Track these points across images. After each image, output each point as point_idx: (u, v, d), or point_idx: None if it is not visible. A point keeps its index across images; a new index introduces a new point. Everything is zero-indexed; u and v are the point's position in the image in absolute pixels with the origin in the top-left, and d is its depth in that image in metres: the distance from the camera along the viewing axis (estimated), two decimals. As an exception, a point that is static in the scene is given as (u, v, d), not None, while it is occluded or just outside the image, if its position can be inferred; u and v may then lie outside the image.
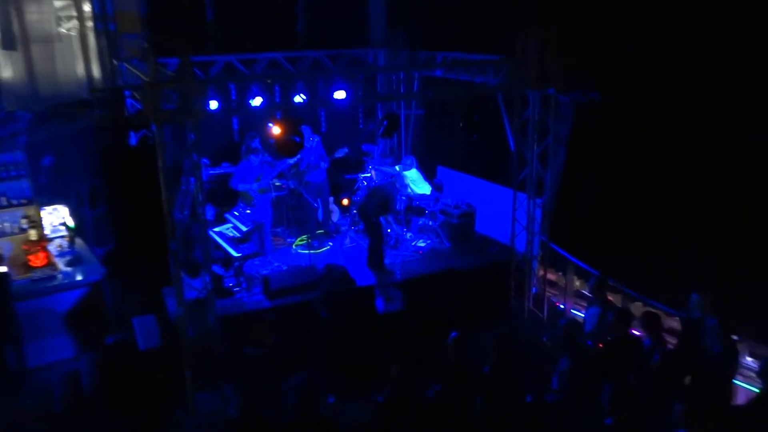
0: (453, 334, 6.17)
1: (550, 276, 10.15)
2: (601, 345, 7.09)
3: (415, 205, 11.56)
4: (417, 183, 11.66)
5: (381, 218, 10.26)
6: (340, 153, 11.19)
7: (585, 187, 9.74)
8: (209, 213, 9.70)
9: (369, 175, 11.64)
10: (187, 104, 6.96)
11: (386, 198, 10.44)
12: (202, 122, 7.22)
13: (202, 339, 7.75)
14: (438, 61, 10.52)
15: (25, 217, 9.34)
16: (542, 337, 8.93)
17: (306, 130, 10.99)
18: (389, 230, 11.43)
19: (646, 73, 8.59)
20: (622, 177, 9.30)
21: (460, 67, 9.65)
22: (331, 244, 11.40)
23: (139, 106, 7.83)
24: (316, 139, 11.16)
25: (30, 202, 9.35)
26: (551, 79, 8.67)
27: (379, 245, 10.14)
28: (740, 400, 6.97)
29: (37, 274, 8.87)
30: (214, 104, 7.98)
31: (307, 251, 10.49)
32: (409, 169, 11.59)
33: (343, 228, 11.83)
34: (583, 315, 8.35)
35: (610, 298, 8.07)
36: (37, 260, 9.10)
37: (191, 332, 7.67)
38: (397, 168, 11.64)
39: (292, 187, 11.13)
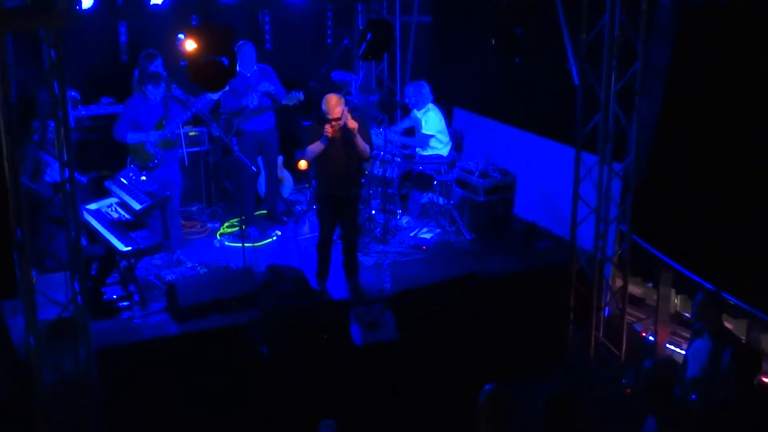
0: (486, 386, 6.12)
1: (634, 289, 10.15)
2: (711, 400, 7.11)
3: (418, 170, 11.54)
4: (440, 137, 11.57)
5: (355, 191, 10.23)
6: (292, 100, 11.12)
7: (694, 147, 9.70)
8: (81, 180, 9.58)
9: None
10: (44, 0, 6.82)
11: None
12: (69, 30, 7.14)
13: (67, 386, 7.70)
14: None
15: None
16: (619, 386, 8.97)
17: (246, 48, 10.92)
18: (372, 211, 11.40)
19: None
20: (756, 133, 9.26)
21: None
22: (279, 233, 11.42)
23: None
24: (257, 66, 11.10)
25: None
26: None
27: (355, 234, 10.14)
28: None
29: None
30: (88, 1, 7.81)
31: (239, 244, 10.45)
32: (424, 106, 11.50)
33: (298, 207, 11.77)
34: (683, 352, 8.35)
35: (727, 325, 8.06)
36: None
37: (49, 376, 7.60)
38: (415, 112, 11.56)
39: (216, 136, 11.03)
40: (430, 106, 11.56)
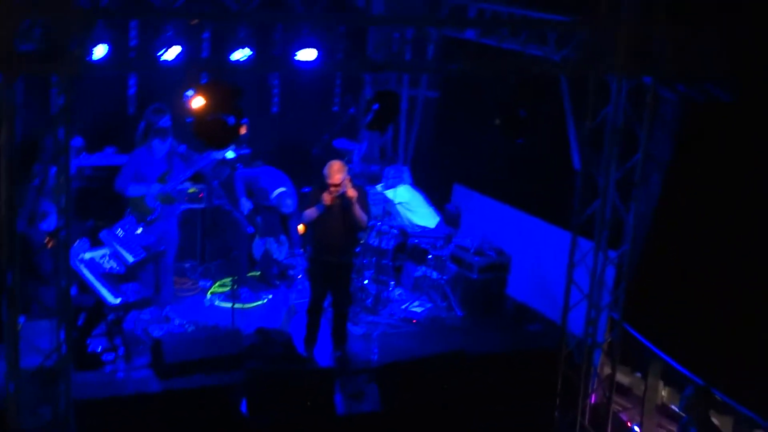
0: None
1: (622, 378, 10.09)
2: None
3: (412, 243, 11.53)
4: (413, 207, 11.67)
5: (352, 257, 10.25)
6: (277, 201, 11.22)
7: (690, 238, 9.73)
8: (77, 228, 9.57)
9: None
10: (57, 46, 6.89)
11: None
12: (79, 78, 7.24)
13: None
14: (470, 16, 10.52)
15: None
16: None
17: None
18: (365, 281, 11.37)
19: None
20: (751, 228, 9.29)
21: (504, 29, 9.67)
22: (270, 296, 11.39)
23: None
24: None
25: None
26: (652, 60, 8.70)
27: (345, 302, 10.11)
28: None
29: None
30: (101, 50, 7.90)
31: (229, 305, 10.42)
32: (394, 187, 11.62)
33: (292, 271, 11.78)
34: (670, 446, 8.27)
35: (715, 420, 8.02)
36: None
37: (27, 424, 7.53)
38: (377, 188, 11.67)
39: (216, 198, 11.07)
40: (402, 185, 11.62)
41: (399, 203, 11.72)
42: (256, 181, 11.49)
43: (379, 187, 11.78)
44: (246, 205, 11.24)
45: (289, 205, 11.30)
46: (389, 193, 11.73)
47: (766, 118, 9.00)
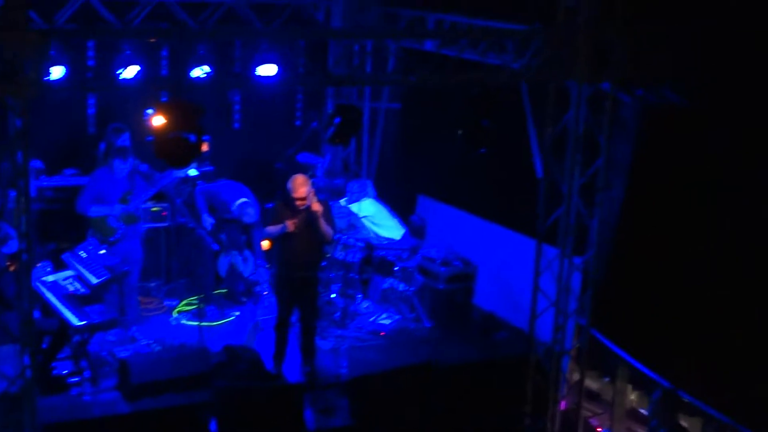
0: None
1: (590, 384, 10.13)
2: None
3: (379, 256, 11.53)
4: (378, 221, 11.69)
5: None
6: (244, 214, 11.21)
7: (653, 242, 9.79)
8: (39, 250, 9.49)
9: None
10: (13, 68, 6.84)
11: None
12: (36, 100, 7.11)
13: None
14: (430, 27, 10.56)
15: None
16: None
17: None
18: (333, 295, 11.35)
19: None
20: (714, 229, 9.36)
21: (464, 39, 9.71)
22: (237, 313, 11.36)
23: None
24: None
25: None
26: (610, 66, 8.77)
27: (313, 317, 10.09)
28: None
29: None
30: (58, 72, 7.90)
31: (196, 323, 10.37)
32: (358, 201, 11.64)
33: (258, 288, 11.75)
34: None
35: (683, 424, 8.05)
36: None
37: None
38: (341, 202, 11.68)
39: (179, 216, 11.01)
40: (366, 199, 11.66)
41: (364, 217, 11.73)
42: (217, 194, 11.45)
43: (343, 202, 11.78)
44: (208, 220, 11.19)
45: (250, 214, 11.26)
46: (354, 207, 11.73)
47: (722, 121, 9.09)
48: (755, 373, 8.61)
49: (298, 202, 9.41)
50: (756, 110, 8.69)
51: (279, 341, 9.92)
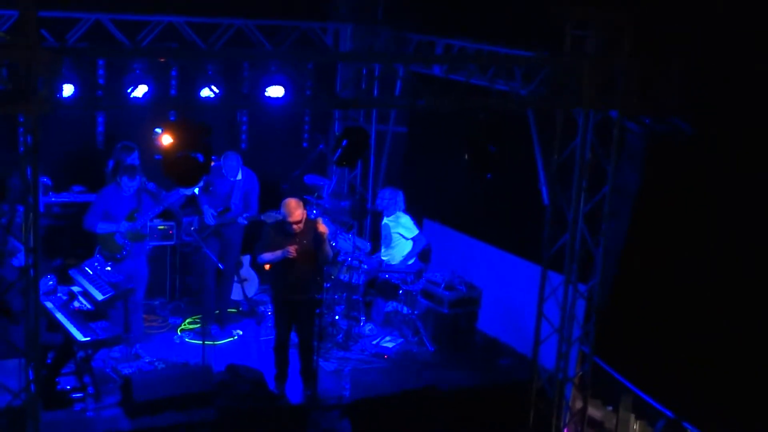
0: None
1: (593, 412, 10.08)
2: None
3: (383, 278, 11.53)
4: (407, 235, 11.68)
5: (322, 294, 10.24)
6: (269, 218, 11.15)
7: (660, 271, 9.77)
8: (46, 266, 9.51)
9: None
10: (25, 86, 6.88)
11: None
12: (47, 117, 7.14)
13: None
14: (438, 53, 10.59)
15: None
16: None
17: (233, 159, 10.98)
18: (336, 316, 11.34)
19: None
20: (720, 259, 9.34)
21: (471, 65, 9.74)
22: (240, 332, 11.35)
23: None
24: (236, 165, 11.10)
25: None
26: (617, 94, 8.80)
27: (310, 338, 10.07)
28: None
29: None
30: (69, 90, 7.93)
31: (200, 341, 10.36)
32: (393, 213, 11.64)
33: (262, 308, 11.72)
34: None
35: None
36: None
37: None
38: (387, 219, 11.67)
39: (185, 235, 11.02)
40: (400, 213, 11.67)
41: (396, 232, 11.72)
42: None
43: (386, 219, 11.76)
44: (209, 212, 11.02)
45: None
46: (391, 222, 11.69)
47: (728, 149, 9.10)
48: (759, 405, 8.59)
49: (294, 226, 9.41)
50: (763, 139, 8.72)
51: (279, 362, 9.91)
